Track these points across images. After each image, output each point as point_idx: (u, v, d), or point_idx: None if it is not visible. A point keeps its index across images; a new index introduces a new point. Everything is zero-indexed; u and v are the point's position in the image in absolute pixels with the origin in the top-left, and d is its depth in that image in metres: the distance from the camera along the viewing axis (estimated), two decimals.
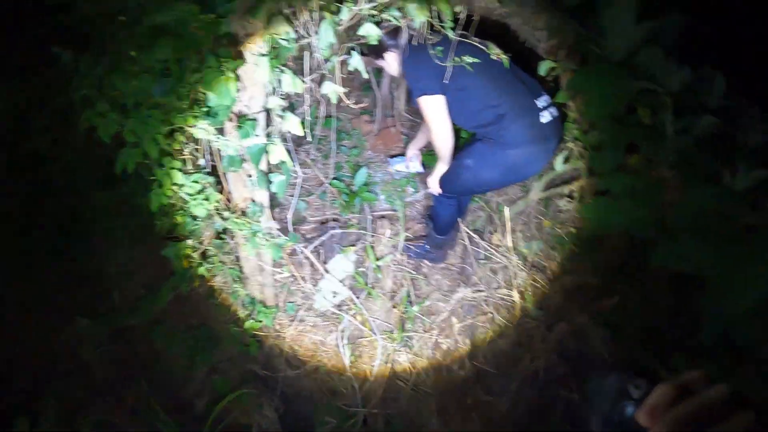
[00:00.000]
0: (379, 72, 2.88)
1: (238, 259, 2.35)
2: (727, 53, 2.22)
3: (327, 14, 1.68)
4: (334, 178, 3.12)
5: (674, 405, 0.48)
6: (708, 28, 2.24)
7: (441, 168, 2.52)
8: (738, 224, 1.98)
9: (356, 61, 1.90)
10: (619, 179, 2.27)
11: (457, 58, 2.11)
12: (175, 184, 1.75)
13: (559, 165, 2.50)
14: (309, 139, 1.98)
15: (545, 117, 2.27)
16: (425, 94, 2.24)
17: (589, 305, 2.56)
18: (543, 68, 2.33)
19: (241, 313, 2.42)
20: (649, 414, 0.48)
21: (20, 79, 2.13)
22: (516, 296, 2.59)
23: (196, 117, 1.63)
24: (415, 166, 3.21)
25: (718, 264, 1.94)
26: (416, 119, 3.47)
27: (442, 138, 2.35)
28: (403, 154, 3.28)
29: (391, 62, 2.34)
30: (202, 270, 2.18)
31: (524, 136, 2.23)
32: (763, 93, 2.15)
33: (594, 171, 2.42)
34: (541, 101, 2.29)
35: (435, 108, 2.26)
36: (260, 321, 2.43)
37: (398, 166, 3.25)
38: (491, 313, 2.67)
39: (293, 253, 2.64)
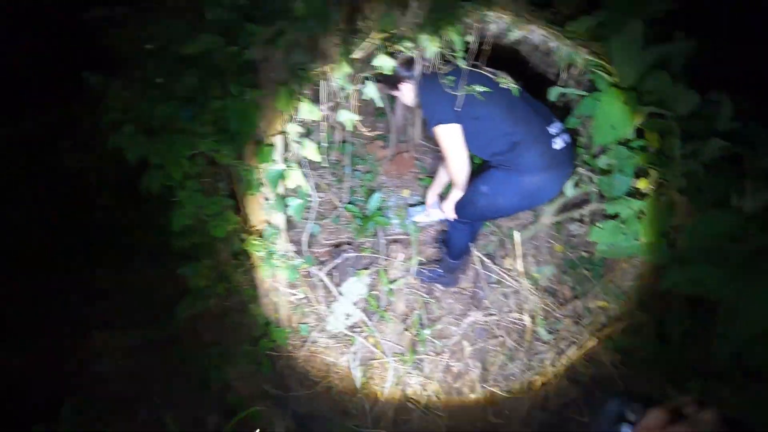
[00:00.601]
0: (393, 98, 2.99)
1: (253, 279, 2.45)
2: (735, 76, 2.29)
3: (343, 46, 1.80)
4: (348, 203, 3.20)
5: (665, 428, 0.50)
6: (716, 52, 2.33)
7: (456, 195, 2.59)
8: (748, 247, 2.04)
9: (371, 91, 2.01)
10: (628, 204, 2.35)
11: (468, 87, 2.20)
12: (196, 205, 1.86)
13: (569, 190, 2.58)
14: (325, 164, 2.08)
15: (558, 143, 2.33)
16: (441, 123, 2.30)
17: (601, 329, 2.62)
18: (553, 94, 2.43)
19: (255, 332, 2.50)
20: None
21: (52, 101, 2.26)
22: (527, 320, 2.66)
23: (217, 142, 1.74)
24: (437, 214, 3.16)
25: (729, 287, 2.00)
26: (429, 145, 3.57)
27: (459, 166, 2.43)
28: (422, 203, 3.28)
29: (406, 93, 2.42)
30: (218, 289, 2.29)
31: (538, 162, 2.30)
32: None
33: (604, 195, 2.50)
34: (554, 128, 2.35)
35: (451, 137, 2.33)
36: (273, 341, 2.52)
37: (418, 217, 3.23)
38: (502, 336, 2.74)
39: (308, 275, 2.74)
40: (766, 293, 1.92)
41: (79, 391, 2.29)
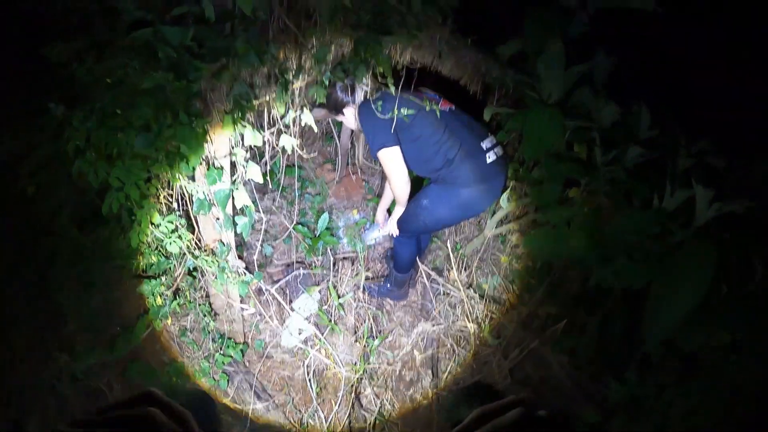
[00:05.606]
0: (340, 123, 3.45)
1: (208, 296, 2.85)
2: (656, 87, 2.74)
3: (280, 77, 2.27)
4: (298, 224, 3.59)
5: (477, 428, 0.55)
6: (636, 65, 2.80)
7: (398, 211, 3.03)
8: (669, 241, 2.46)
9: (307, 117, 2.47)
10: (558, 211, 2.78)
11: (399, 111, 2.62)
12: (152, 223, 2.28)
13: (505, 202, 3.04)
14: (271, 186, 2.51)
15: (490, 157, 2.76)
16: (384, 147, 2.70)
17: (546, 332, 3.05)
18: (487, 114, 2.90)
19: (211, 347, 2.90)
20: None
21: (14, 128, 2.62)
22: (472, 327, 3.10)
23: (170, 166, 2.18)
24: (389, 228, 3.51)
25: (650, 278, 2.38)
26: (375, 167, 4.03)
27: (401, 185, 2.84)
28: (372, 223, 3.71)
29: (350, 117, 2.82)
30: (174, 305, 2.69)
31: (472, 176, 2.72)
32: (689, 120, 2.62)
33: (538, 204, 2.95)
34: (486, 143, 2.79)
35: (393, 159, 2.73)
36: (230, 356, 2.91)
37: (373, 235, 3.64)
38: (451, 344, 3.16)
39: (260, 292, 3.15)
40: (685, 281, 2.29)
41: (43, 413, 2.62)
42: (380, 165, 2.90)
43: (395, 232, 3.12)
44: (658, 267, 2.39)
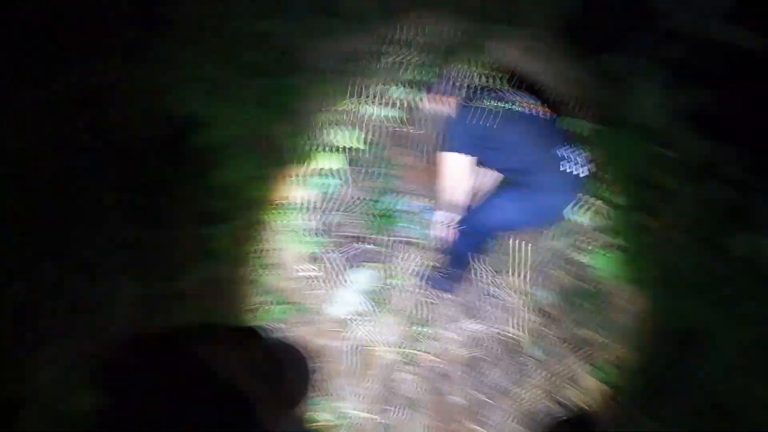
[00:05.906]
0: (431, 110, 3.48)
1: (268, 250, 2.90)
2: (755, 129, 2.70)
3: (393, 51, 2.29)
4: (370, 200, 3.59)
5: None
6: (738, 103, 2.75)
7: (440, 215, 3.18)
8: (735, 286, 2.35)
9: (410, 96, 2.50)
10: (633, 237, 2.77)
11: (492, 116, 2.67)
12: (240, 166, 2.32)
13: (578, 218, 3.03)
14: (352, 158, 2.55)
15: (572, 170, 2.77)
16: (457, 152, 2.80)
17: (590, 358, 3.05)
18: (575, 127, 2.89)
19: (259, 302, 2.94)
20: None
21: (99, 62, 2.63)
22: (518, 335, 3.11)
23: (269, 115, 2.21)
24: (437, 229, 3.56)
25: (708, 319, 2.36)
26: None
27: (454, 193, 2.98)
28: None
29: (445, 106, 2.86)
30: (233, 253, 2.73)
31: (550, 185, 2.75)
32: None
33: (611, 227, 2.94)
34: (571, 155, 2.79)
35: (458, 167, 2.84)
36: (274, 313, 2.97)
37: (439, 225, 3.54)
38: (494, 348, 3.18)
39: (320, 257, 3.21)
40: (744, 331, 2.27)
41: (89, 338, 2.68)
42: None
43: (443, 233, 3.23)
44: (720, 311, 2.35)
